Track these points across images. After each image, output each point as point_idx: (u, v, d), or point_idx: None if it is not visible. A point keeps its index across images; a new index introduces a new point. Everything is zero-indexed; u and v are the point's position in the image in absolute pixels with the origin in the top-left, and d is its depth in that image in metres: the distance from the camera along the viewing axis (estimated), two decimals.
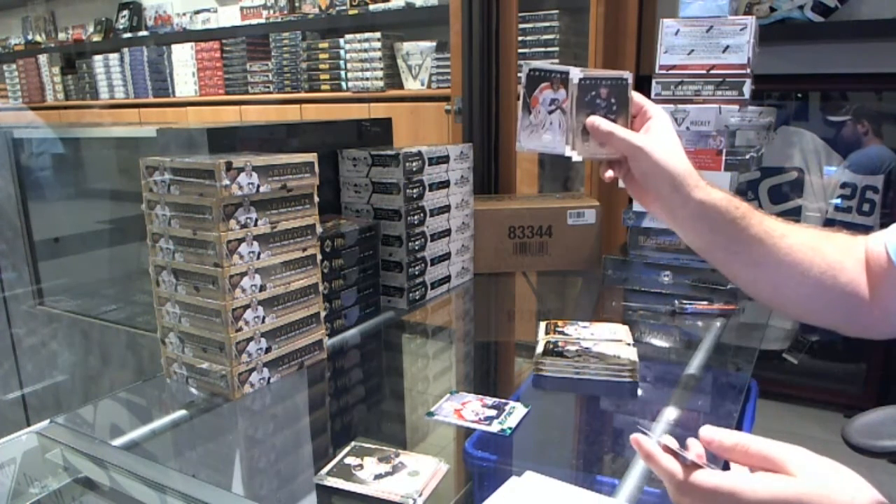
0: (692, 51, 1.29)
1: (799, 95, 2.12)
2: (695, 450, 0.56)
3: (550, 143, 0.87)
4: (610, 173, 0.84)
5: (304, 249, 1.00)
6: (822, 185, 1.98)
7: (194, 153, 1.11)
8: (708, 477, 0.53)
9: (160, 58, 4.18)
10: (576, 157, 0.86)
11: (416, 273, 1.31)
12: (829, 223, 1.92)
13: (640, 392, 0.95)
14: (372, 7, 3.34)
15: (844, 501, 0.50)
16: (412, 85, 3.30)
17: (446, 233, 1.39)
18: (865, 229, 1.87)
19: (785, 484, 0.51)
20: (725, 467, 0.55)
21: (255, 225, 0.91)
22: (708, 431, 0.57)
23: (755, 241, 0.77)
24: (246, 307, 0.91)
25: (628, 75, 0.84)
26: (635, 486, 0.70)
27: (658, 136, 0.80)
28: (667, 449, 0.56)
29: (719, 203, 0.77)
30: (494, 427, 0.82)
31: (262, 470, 0.79)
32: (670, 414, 0.87)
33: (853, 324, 0.77)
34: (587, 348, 1.02)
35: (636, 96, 0.85)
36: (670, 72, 1.31)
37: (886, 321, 0.74)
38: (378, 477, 0.72)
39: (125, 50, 4.34)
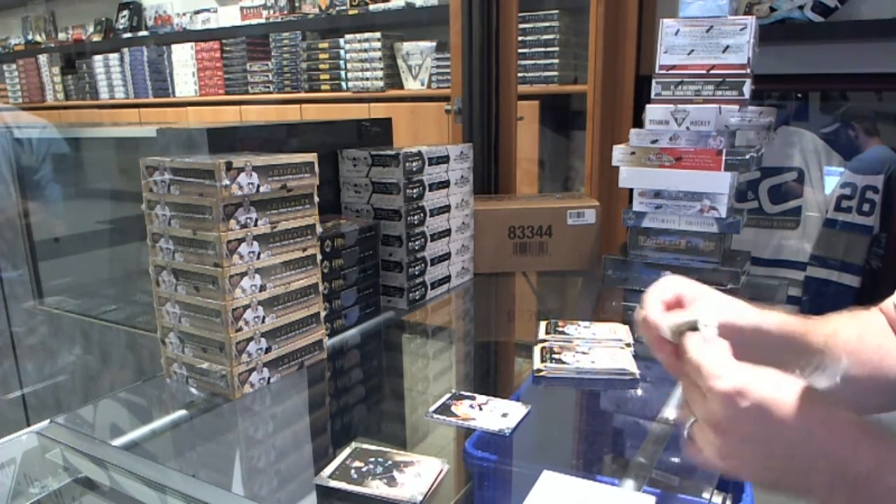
0: (692, 51, 1.29)
1: (799, 95, 2.12)
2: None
3: None
4: None
5: (304, 249, 1.00)
6: (822, 185, 1.98)
7: (194, 153, 1.11)
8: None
9: (160, 58, 4.18)
10: None
11: (416, 273, 1.31)
12: (829, 223, 1.92)
13: (639, 392, 0.95)
14: (372, 7, 3.34)
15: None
16: (412, 85, 3.30)
17: (446, 233, 1.39)
18: (865, 229, 1.87)
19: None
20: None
21: (255, 225, 0.91)
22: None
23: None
24: (246, 307, 0.91)
25: None
26: (635, 486, 0.70)
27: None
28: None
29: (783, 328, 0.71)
30: (494, 427, 0.82)
31: (262, 470, 0.79)
32: (670, 413, 0.87)
33: None
34: (584, 353, 1.02)
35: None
36: (670, 72, 1.31)
37: None
38: (378, 477, 0.72)
39: (125, 50, 4.34)
